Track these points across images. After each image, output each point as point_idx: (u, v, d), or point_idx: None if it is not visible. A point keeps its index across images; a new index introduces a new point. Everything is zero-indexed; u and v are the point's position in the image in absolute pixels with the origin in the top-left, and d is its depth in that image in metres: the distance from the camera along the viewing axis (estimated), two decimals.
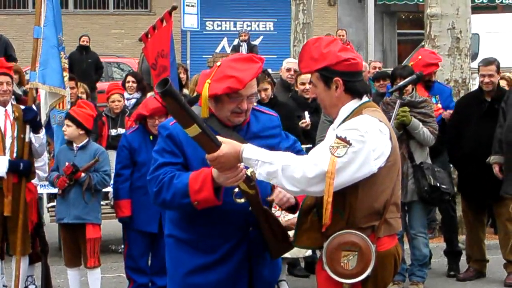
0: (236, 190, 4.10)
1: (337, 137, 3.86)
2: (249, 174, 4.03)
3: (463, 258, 9.12)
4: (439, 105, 8.96)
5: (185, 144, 4.17)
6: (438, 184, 7.83)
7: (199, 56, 25.08)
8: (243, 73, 4.11)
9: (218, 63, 4.21)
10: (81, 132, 7.57)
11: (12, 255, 7.79)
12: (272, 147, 4.30)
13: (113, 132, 10.14)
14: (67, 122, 7.53)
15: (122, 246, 10.06)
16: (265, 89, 8.45)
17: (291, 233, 4.26)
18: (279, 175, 3.87)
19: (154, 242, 7.71)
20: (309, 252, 8.33)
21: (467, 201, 9.01)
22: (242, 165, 3.99)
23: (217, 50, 26.43)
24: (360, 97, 4.07)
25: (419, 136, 7.88)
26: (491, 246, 9.39)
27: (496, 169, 8.20)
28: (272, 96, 8.71)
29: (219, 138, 3.94)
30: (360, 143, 3.83)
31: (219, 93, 4.10)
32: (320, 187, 3.83)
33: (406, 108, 7.76)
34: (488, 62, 8.80)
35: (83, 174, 7.41)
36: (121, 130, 10.06)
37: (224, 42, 27.67)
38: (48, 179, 7.59)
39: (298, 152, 4.50)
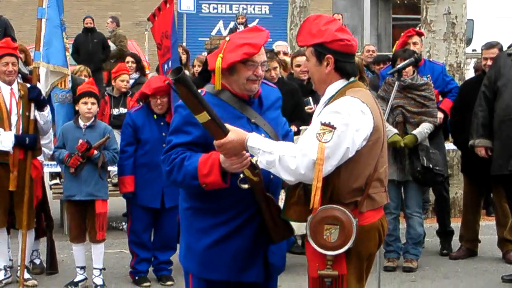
0: (242, 176, 4.28)
1: (322, 124, 4.03)
2: (253, 162, 4.23)
3: (455, 237, 9.38)
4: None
5: None
6: (431, 166, 8.01)
7: (195, 38, 25.15)
8: (255, 39, 4.32)
9: (227, 38, 4.38)
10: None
11: (18, 230, 8.02)
12: (279, 118, 4.60)
13: (115, 111, 10.25)
14: (91, 100, 7.68)
15: (123, 223, 10.34)
16: (275, 68, 8.56)
17: None
18: (276, 165, 4.06)
19: (157, 218, 7.94)
20: None
21: (470, 182, 9.23)
22: (248, 153, 4.19)
23: (213, 33, 26.51)
24: (348, 78, 4.24)
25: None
26: (483, 227, 9.62)
27: (483, 152, 8.31)
28: (280, 76, 8.85)
29: (227, 126, 4.13)
30: (344, 126, 4.00)
31: (237, 60, 4.27)
32: (313, 175, 4.00)
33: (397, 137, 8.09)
34: (490, 45, 8.98)
35: (95, 152, 7.58)
36: (123, 110, 10.19)
37: (220, 24, 27.75)
38: (57, 157, 7.72)
39: (288, 132, 4.78)
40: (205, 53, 17.60)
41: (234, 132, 4.13)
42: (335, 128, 4.00)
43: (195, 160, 4.27)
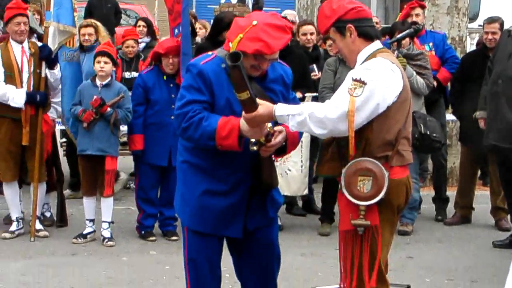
0: (253, 140, 4.58)
1: (353, 80, 4.33)
2: (268, 129, 4.57)
3: (451, 205, 9.71)
4: (433, 53, 9.48)
5: (214, 83, 4.63)
6: (428, 132, 8.25)
7: (204, 5, 25.33)
8: (274, 41, 4.54)
9: (254, 22, 4.56)
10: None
11: (29, 184, 8.39)
12: (284, 94, 4.87)
13: (127, 74, 10.44)
14: (104, 59, 7.96)
15: (130, 182, 10.68)
16: None
17: None
18: (308, 122, 4.35)
19: (164, 176, 8.28)
20: (306, 191, 8.90)
21: (467, 152, 9.53)
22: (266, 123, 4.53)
23: (222, 1, 26.67)
24: (373, 40, 4.53)
25: (413, 85, 8.31)
26: (478, 196, 9.92)
27: (481, 123, 8.57)
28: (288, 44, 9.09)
29: (257, 100, 4.44)
30: (374, 82, 4.30)
31: (248, 52, 4.52)
32: (345, 126, 4.29)
33: (404, 59, 8.23)
34: (492, 20, 9.23)
35: (109, 109, 7.88)
36: (135, 74, 10.35)
37: None
38: (72, 112, 8.02)
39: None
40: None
41: (263, 106, 4.44)
42: (365, 84, 4.28)
43: (214, 122, 4.56)
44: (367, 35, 4.53)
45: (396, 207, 4.53)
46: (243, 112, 4.46)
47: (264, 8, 19.19)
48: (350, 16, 4.49)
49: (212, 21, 15.50)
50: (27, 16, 8.17)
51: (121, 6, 18.90)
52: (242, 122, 4.51)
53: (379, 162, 4.38)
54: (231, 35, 4.65)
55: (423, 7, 9.77)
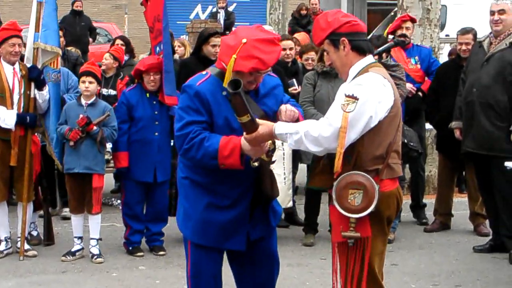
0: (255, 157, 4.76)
1: (346, 96, 4.47)
2: (268, 146, 4.74)
3: (430, 213, 9.89)
4: (419, 66, 9.78)
5: (212, 103, 4.77)
6: (405, 141, 8.42)
7: (173, 22, 25.44)
8: (268, 56, 4.69)
9: (244, 40, 4.68)
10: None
11: (15, 204, 8.50)
12: (278, 99, 5.03)
13: (104, 91, 10.49)
14: (90, 79, 8.08)
15: (113, 199, 10.78)
16: None
17: None
18: (304, 141, 4.48)
19: (149, 192, 8.38)
20: (290, 204, 9.03)
21: (444, 160, 9.73)
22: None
23: (191, 17, 26.84)
24: (365, 54, 4.66)
25: None
26: (455, 203, 10.08)
27: (457, 133, 8.82)
28: None
29: (257, 120, 4.59)
30: (366, 97, 4.43)
31: (245, 71, 4.68)
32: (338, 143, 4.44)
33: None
34: (465, 31, 9.44)
35: (95, 127, 7.98)
36: (112, 92, 10.45)
37: (198, 8, 28.07)
38: (58, 132, 8.11)
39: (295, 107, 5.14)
40: (184, 36, 18.03)
41: (264, 126, 4.59)
42: (358, 99, 4.41)
43: (215, 142, 4.70)
44: (360, 49, 4.66)
45: (386, 218, 4.66)
46: (244, 133, 4.59)
47: (235, 23, 19.41)
48: (344, 30, 4.63)
49: (182, 37, 15.72)
50: (21, 38, 8.28)
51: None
52: (243, 142, 4.64)
53: (370, 175, 4.49)
54: (223, 56, 4.79)
55: (413, 21, 10.03)
